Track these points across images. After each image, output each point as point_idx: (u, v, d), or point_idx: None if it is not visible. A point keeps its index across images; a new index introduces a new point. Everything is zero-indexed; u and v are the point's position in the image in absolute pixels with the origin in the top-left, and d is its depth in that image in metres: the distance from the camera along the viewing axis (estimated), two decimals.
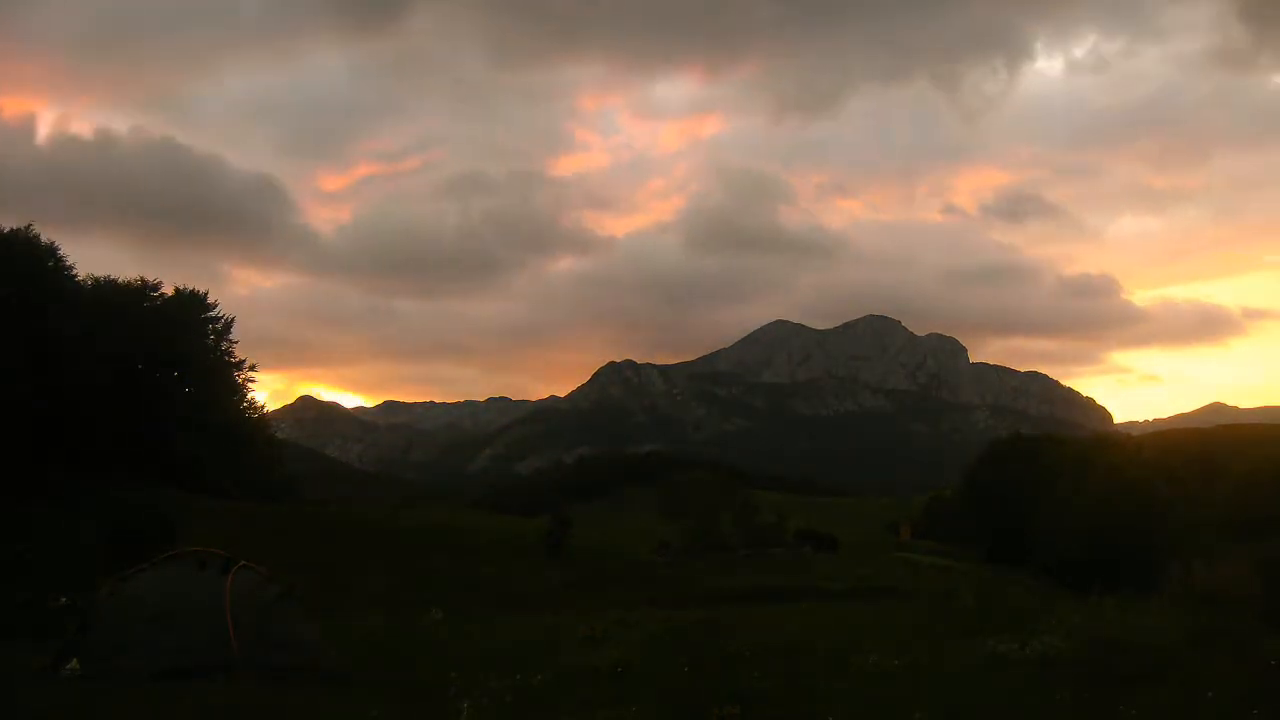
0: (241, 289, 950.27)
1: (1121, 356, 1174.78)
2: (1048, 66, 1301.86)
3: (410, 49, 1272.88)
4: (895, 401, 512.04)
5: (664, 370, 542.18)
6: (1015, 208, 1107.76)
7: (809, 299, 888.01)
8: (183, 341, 53.12)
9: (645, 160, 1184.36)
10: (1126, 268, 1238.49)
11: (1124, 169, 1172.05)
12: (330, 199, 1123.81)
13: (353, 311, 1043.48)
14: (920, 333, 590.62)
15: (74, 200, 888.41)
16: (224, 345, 58.49)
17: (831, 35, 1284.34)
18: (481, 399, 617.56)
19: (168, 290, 55.08)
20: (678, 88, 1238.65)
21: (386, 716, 10.88)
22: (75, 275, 46.90)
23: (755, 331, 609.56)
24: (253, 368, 60.50)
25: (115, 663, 12.35)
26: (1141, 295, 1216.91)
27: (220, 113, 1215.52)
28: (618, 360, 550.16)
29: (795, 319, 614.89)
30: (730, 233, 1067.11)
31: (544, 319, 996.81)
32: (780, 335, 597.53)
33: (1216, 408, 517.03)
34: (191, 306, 56.47)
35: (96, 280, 50.73)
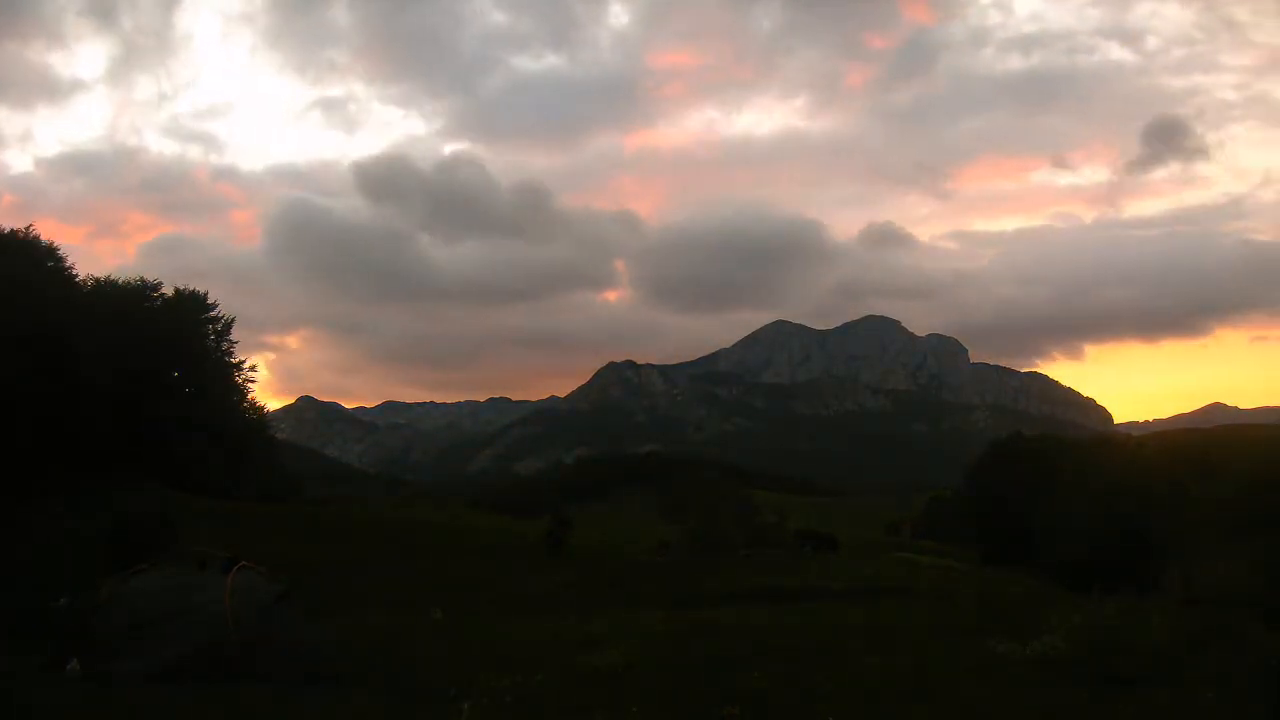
0: None
1: None
2: None
3: None
4: (895, 401, 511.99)
5: (664, 370, 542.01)
6: None
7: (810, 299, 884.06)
8: (183, 342, 53.10)
9: None
10: None
11: None
12: None
13: None
14: (920, 333, 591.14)
15: None
16: (224, 345, 58.50)
17: None
18: (481, 399, 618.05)
19: (167, 291, 55.11)
20: None
21: (387, 716, 10.89)
22: (75, 275, 46.92)
23: (755, 332, 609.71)
24: (253, 368, 60.52)
25: (116, 663, 12.37)
26: None
27: None
28: (618, 360, 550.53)
29: (795, 319, 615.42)
30: None
31: None
32: (780, 335, 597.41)
33: (1216, 408, 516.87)
34: (191, 307, 56.44)
35: (96, 280, 50.74)
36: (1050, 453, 76.75)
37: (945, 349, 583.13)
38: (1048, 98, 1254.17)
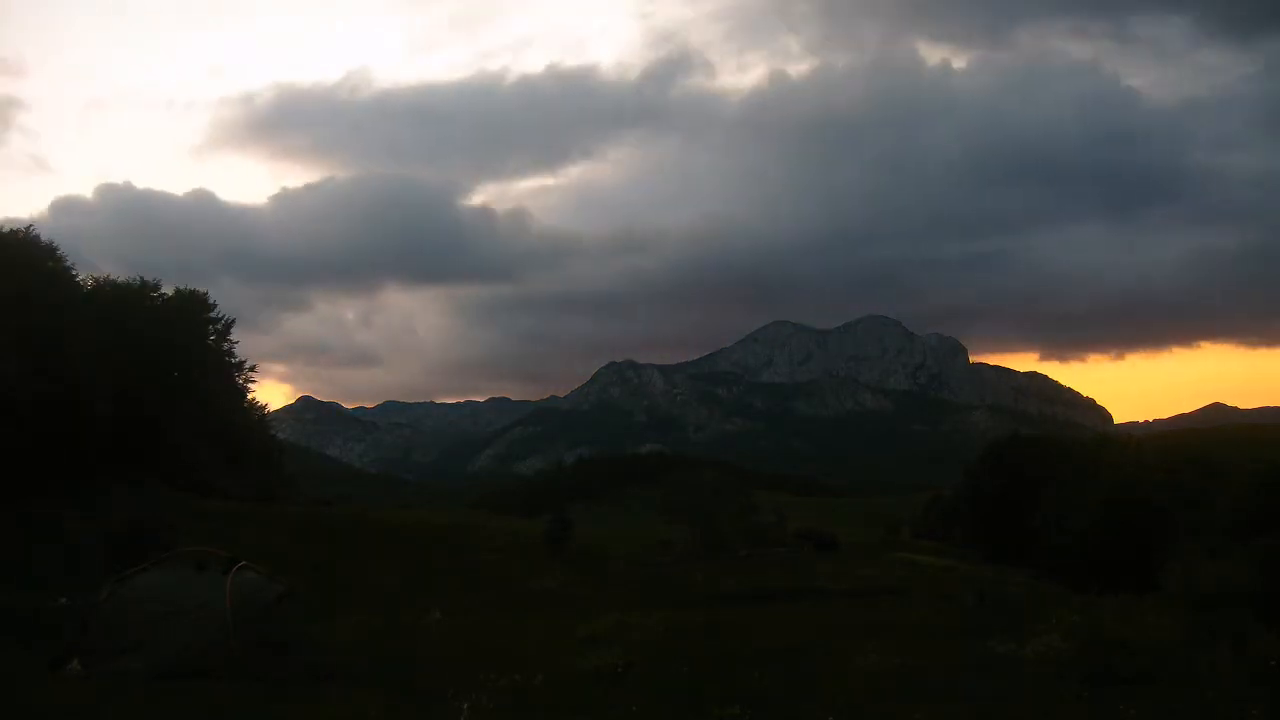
0: None
1: None
2: None
3: None
4: (895, 401, 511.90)
5: (664, 370, 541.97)
6: None
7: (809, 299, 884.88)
8: (183, 342, 53.09)
9: None
10: None
11: None
12: None
13: None
14: (920, 333, 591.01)
15: None
16: (225, 346, 58.50)
17: None
18: (482, 399, 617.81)
19: (168, 290, 55.12)
20: None
21: (386, 716, 10.89)
22: (75, 275, 46.91)
23: (755, 331, 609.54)
24: (253, 368, 60.50)
25: (116, 663, 12.37)
26: None
27: None
28: (618, 360, 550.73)
29: (795, 319, 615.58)
30: None
31: None
32: (780, 335, 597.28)
33: (1216, 408, 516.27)
34: (192, 307, 56.45)
35: (97, 280, 50.73)
36: (1050, 453, 76.74)
37: (945, 349, 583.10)
38: None
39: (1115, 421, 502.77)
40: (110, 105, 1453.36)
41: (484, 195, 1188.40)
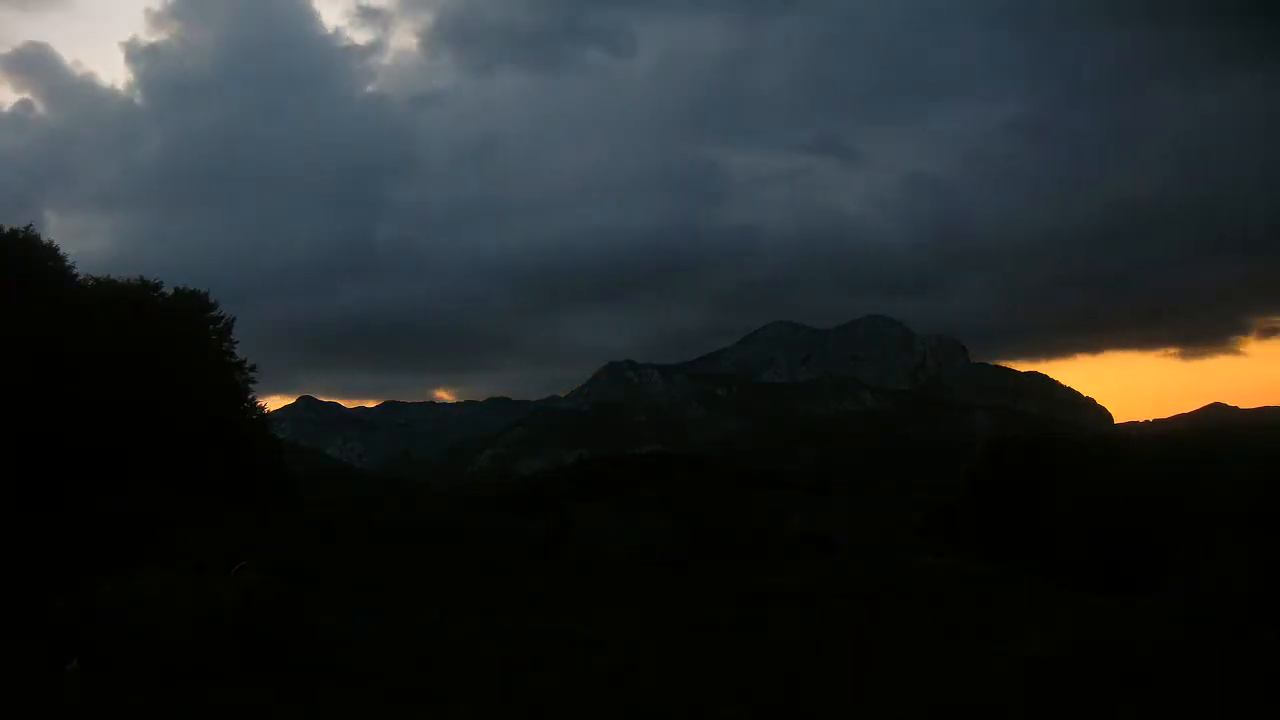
0: None
1: None
2: None
3: None
4: (895, 401, 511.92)
5: (664, 370, 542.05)
6: None
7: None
8: (183, 342, 53.10)
9: None
10: None
11: None
12: None
13: None
14: (920, 333, 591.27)
15: None
16: (225, 345, 58.51)
17: None
18: (481, 399, 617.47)
19: (168, 290, 55.17)
20: None
21: (387, 716, 10.88)
22: (75, 275, 46.98)
23: (755, 331, 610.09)
24: (253, 368, 60.49)
25: (115, 663, 12.38)
26: None
27: None
28: (618, 360, 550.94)
29: (795, 319, 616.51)
30: None
31: None
32: (780, 335, 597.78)
33: (1216, 408, 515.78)
34: (192, 306, 56.48)
35: (96, 280, 50.78)
36: (1050, 453, 76.78)
37: (945, 349, 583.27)
38: None
39: (1115, 421, 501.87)
40: None
41: None
